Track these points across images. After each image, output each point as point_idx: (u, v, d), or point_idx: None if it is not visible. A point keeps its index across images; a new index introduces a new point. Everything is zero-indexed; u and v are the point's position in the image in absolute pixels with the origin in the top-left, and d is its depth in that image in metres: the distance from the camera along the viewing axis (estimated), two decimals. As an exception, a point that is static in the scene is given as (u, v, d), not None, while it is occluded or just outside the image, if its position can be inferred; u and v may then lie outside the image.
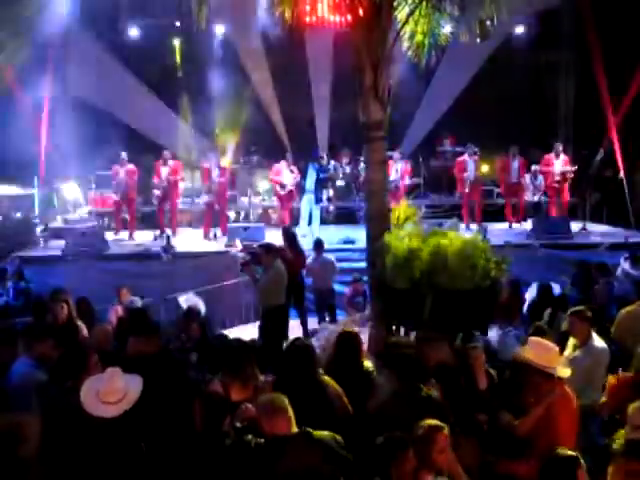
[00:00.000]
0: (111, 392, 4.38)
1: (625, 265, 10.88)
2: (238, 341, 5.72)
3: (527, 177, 15.87)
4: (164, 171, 14.90)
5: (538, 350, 5.17)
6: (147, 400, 4.53)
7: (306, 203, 15.13)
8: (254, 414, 4.62)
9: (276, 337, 8.14)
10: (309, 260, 11.52)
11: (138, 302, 8.65)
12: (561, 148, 15.27)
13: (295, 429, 4.33)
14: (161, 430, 4.69)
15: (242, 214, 17.32)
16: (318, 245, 11.63)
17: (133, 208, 15.55)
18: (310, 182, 15.23)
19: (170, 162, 15.04)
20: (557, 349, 5.30)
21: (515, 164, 15.28)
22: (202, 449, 4.36)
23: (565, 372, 5.12)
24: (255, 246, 10.39)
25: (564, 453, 4.03)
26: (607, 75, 15.85)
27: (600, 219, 16.08)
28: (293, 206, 16.21)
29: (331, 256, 11.74)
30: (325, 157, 17.60)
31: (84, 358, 5.17)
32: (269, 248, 9.70)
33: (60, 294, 7.83)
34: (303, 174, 15.46)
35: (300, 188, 16.71)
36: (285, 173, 15.47)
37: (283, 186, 15.48)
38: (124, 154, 15.21)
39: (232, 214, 16.95)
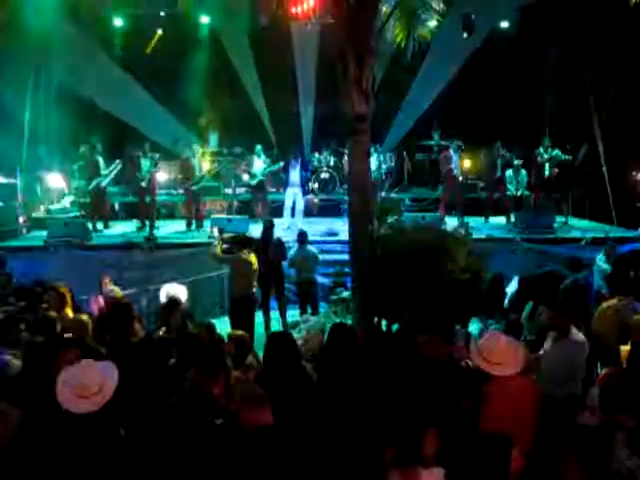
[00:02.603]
0: (86, 386, 4.33)
1: (599, 260, 10.97)
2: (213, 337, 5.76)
3: (509, 172, 15.98)
4: (145, 164, 14.79)
5: (481, 348, 5.13)
6: (127, 391, 4.55)
7: (290, 195, 15.10)
8: (233, 408, 4.66)
9: (244, 327, 8.15)
10: (292, 252, 11.55)
11: (116, 292, 8.61)
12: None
13: (271, 420, 4.38)
14: (140, 420, 4.71)
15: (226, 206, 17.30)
16: (301, 237, 11.66)
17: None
18: (294, 174, 15.16)
19: (150, 154, 14.93)
20: (502, 346, 5.13)
21: (499, 160, 15.31)
22: (182, 441, 4.39)
23: (501, 370, 5.00)
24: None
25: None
26: (591, 71, 15.94)
27: (582, 214, 16.20)
28: (267, 197, 16.31)
29: (314, 248, 11.77)
30: (309, 150, 17.68)
31: (61, 348, 5.17)
32: (234, 239, 9.78)
33: (41, 285, 7.86)
34: (286, 167, 15.40)
35: (277, 179, 16.89)
36: (255, 164, 15.71)
37: (252, 176, 15.72)
38: (98, 145, 15.14)
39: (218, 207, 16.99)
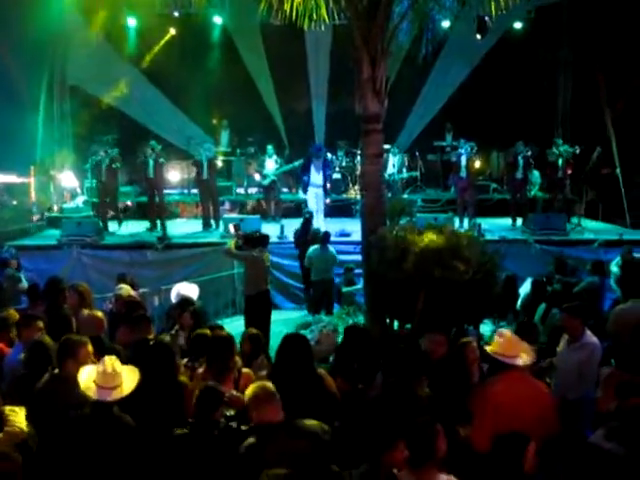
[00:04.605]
0: (107, 378, 4.45)
1: (614, 263, 10.89)
2: (224, 335, 5.78)
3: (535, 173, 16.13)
4: (150, 162, 14.66)
5: (500, 341, 5.23)
6: (137, 387, 4.60)
7: (312, 197, 14.86)
8: (243, 403, 4.69)
9: (258, 325, 8.17)
10: (311, 250, 11.56)
11: (126, 290, 8.58)
12: None
13: (282, 417, 4.41)
14: (151, 416, 4.75)
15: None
16: (324, 237, 11.64)
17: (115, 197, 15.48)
18: (317, 175, 14.92)
19: (157, 151, 14.78)
20: (517, 339, 5.29)
21: (521, 160, 15.28)
22: (192, 436, 4.43)
23: (521, 360, 5.10)
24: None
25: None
26: (605, 71, 15.85)
27: (595, 216, 16.12)
28: (279, 197, 16.43)
29: (333, 249, 11.73)
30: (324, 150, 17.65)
31: (75, 345, 5.20)
32: (246, 238, 9.80)
33: (61, 283, 7.91)
34: (306, 167, 15.16)
35: (290, 179, 17.15)
36: (267, 164, 15.86)
37: (264, 176, 15.87)
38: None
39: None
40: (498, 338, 5.27)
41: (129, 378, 4.57)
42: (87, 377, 4.51)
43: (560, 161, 14.98)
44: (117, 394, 4.45)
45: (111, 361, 4.57)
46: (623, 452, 4.23)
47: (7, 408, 4.50)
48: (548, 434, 4.66)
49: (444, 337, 6.11)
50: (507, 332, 5.42)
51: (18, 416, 4.46)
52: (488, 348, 5.22)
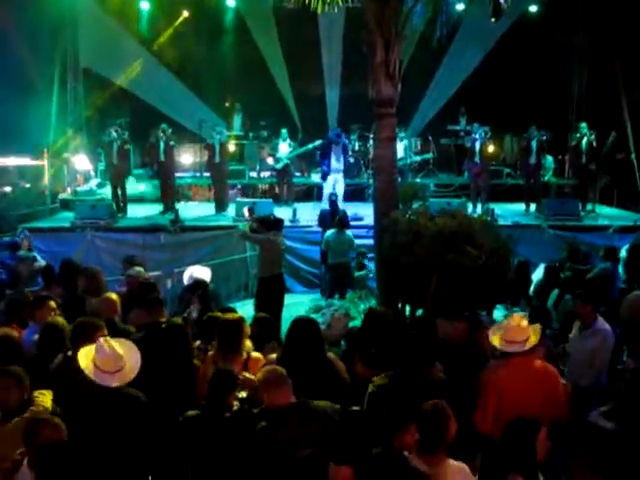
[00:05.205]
0: (108, 361, 4.46)
1: (624, 249, 10.84)
2: (233, 317, 5.79)
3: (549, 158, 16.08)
4: (161, 145, 14.70)
5: (494, 331, 5.27)
6: (149, 369, 4.61)
7: (331, 182, 14.67)
8: (254, 385, 4.72)
9: (270, 308, 8.18)
10: (328, 234, 11.55)
11: (140, 272, 8.58)
12: None
13: (292, 401, 4.43)
14: (163, 398, 4.78)
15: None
16: (342, 221, 11.61)
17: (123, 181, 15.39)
18: (337, 161, 14.78)
19: (167, 134, 14.80)
20: (517, 327, 5.19)
21: (534, 145, 15.17)
22: (204, 419, 4.47)
23: (514, 348, 5.09)
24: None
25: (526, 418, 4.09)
26: (620, 56, 15.69)
27: (610, 202, 16.01)
28: (292, 181, 16.36)
29: (350, 233, 11.69)
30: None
31: (90, 328, 5.22)
32: (261, 221, 9.78)
33: (75, 266, 7.95)
34: (326, 153, 15.09)
35: (302, 163, 17.16)
36: (280, 147, 15.78)
37: (277, 160, 15.77)
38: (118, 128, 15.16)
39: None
40: (507, 324, 5.25)
41: (130, 358, 4.54)
42: (85, 356, 4.51)
43: (584, 144, 14.80)
44: (121, 378, 4.44)
45: (107, 342, 4.54)
46: (618, 429, 4.27)
47: (36, 391, 4.55)
48: (557, 418, 4.67)
49: (465, 324, 6.08)
50: (507, 321, 5.36)
51: (45, 398, 4.51)
52: (493, 341, 5.22)
